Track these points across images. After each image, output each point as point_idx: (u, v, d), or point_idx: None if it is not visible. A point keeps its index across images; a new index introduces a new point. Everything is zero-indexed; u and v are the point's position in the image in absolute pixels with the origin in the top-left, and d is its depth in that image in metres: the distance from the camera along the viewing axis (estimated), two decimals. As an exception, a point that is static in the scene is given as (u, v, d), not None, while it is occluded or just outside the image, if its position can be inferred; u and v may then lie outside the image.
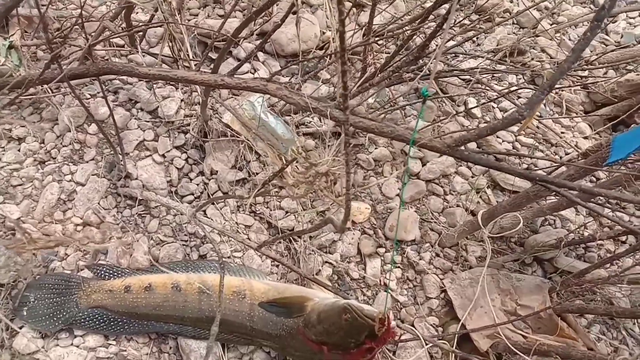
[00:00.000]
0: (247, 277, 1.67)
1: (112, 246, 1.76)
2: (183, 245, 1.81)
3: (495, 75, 2.37)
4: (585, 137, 2.27)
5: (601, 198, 1.95)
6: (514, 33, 2.60)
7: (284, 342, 1.56)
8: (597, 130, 2.33)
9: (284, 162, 1.60)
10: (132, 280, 1.62)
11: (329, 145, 1.87)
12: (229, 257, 1.78)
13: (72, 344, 1.58)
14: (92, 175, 1.85)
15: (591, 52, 2.67)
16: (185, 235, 1.83)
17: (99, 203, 1.82)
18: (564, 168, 1.80)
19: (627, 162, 1.84)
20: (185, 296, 1.60)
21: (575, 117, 2.30)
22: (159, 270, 1.65)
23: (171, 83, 2.09)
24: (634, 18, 2.89)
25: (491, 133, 1.00)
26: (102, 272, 1.65)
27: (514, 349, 1.51)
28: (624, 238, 2.02)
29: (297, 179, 0.86)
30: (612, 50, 2.67)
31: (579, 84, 2.30)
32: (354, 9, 2.50)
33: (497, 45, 2.47)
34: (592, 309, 1.59)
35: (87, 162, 1.88)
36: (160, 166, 1.94)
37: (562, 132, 2.25)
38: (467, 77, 2.28)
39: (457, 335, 1.60)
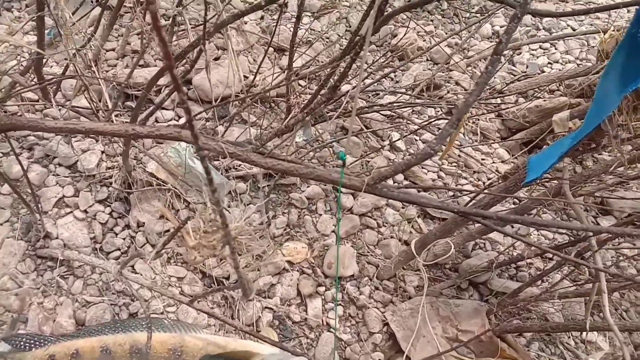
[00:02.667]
0: (183, 332, 1.58)
1: (33, 313, 1.62)
2: (111, 305, 1.70)
3: (414, 109, 2.47)
4: (504, 162, 2.40)
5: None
6: (428, 69, 2.74)
7: None
8: (515, 155, 2.47)
9: (182, 221, 1.55)
10: (57, 348, 1.48)
11: (244, 205, 1.84)
12: (161, 313, 1.69)
13: None
14: (7, 238, 1.71)
15: (501, 82, 2.87)
16: (113, 293, 1.72)
17: (15, 267, 1.68)
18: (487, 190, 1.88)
19: (543, 180, 1.96)
20: (115, 359, 1.48)
21: (493, 143, 2.43)
22: (85, 335, 1.53)
23: (91, 135, 2.01)
24: (535, 50, 3.14)
25: (406, 169, 1.03)
26: (22, 343, 1.50)
27: (459, 375, 1.51)
28: (551, 255, 2.11)
29: (199, 241, 0.80)
30: (519, 80, 2.88)
31: (493, 111, 2.44)
32: (276, 53, 2.54)
33: (414, 81, 2.59)
34: (528, 327, 1.63)
35: (2, 224, 1.74)
36: (83, 222, 1.83)
37: (482, 159, 2.36)
38: (389, 112, 2.36)
39: (403, 368, 1.59)
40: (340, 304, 1.82)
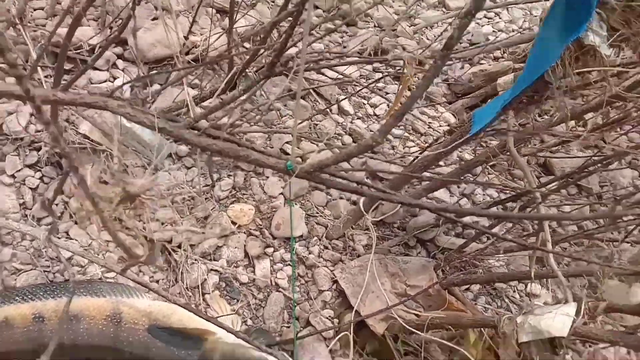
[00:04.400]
0: (122, 297, 1.50)
1: (-45, 284, 1.50)
2: (44, 272, 1.59)
3: (362, 74, 2.44)
4: (449, 125, 2.41)
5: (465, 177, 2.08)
6: (376, 35, 2.71)
7: None
8: (460, 118, 2.49)
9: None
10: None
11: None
12: (99, 279, 1.60)
13: None
14: None
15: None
16: (46, 260, 1.61)
17: None
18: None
19: (488, 138, 1.98)
20: (50, 326, 1.39)
21: (440, 106, 2.45)
22: (15, 299, 1.42)
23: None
24: (480, 19, 3.18)
25: (347, 159, 0.98)
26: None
27: (409, 327, 1.51)
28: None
29: (97, 192, 0.67)
30: (465, 49, 2.91)
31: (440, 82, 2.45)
32: (219, 15, 2.45)
33: (362, 46, 2.55)
34: (475, 279, 1.66)
35: None
36: (10, 188, 1.71)
37: (429, 122, 2.36)
38: (337, 75, 2.33)
39: (352, 323, 1.57)
40: (289, 264, 1.78)
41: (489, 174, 2.26)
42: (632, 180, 2.49)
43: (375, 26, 2.80)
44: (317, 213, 1.92)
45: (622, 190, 2.41)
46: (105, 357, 1.42)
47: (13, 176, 1.72)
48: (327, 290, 1.74)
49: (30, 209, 1.70)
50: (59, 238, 1.65)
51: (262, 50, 1.77)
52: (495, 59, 2.80)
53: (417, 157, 1.93)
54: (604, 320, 1.55)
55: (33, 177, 1.73)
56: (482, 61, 2.76)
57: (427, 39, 2.87)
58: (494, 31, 3.12)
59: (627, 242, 1.87)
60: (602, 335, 1.21)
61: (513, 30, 3.17)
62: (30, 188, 1.72)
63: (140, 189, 0.68)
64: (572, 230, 2.21)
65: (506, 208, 2.02)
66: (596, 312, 1.25)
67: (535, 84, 1.37)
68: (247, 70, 1.69)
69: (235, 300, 1.66)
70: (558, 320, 1.22)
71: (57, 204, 1.73)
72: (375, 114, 2.35)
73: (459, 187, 2.21)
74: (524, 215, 1.40)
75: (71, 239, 1.67)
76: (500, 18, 3.21)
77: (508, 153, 1.68)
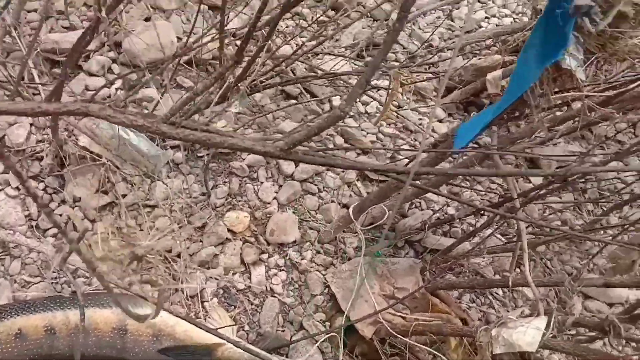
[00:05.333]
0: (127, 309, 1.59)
1: (-32, 297, 1.60)
2: (52, 283, 1.69)
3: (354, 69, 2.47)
4: (440, 121, 2.47)
5: (457, 179, 2.15)
6: (368, 26, 2.72)
7: None
8: (451, 114, 2.55)
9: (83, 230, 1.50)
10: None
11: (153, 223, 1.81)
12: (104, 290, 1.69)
13: None
14: None
15: (439, 38, 2.89)
16: (53, 272, 1.71)
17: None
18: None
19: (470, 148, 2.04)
20: (60, 338, 1.49)
21: (430, 101, 2.49)
22: (26, 310, 1.52)
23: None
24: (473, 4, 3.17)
25: (319, 132, 1.03)
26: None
27: (393, 332, 1.62)
28: (482, 212, 2.23)
29: (106, 253, 0.77)
30: (457, 37, 2.92)
31: (430, 72, 2.48)
32: (211, 12, 2.45)
33: (354, 40, 2.58)
34: (457, 283, 1.76)
35: None
36: (16, 200, 1.78)
37: (420, 119, 2.42)
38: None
39: (343, 327, 1.68)
40: (283, 270, 1.88)
41: (474, 180, 2.33)
42: (617, 173, 2.56)
43: (367, 17, 2.80)
44: (310, 218, 2.00)
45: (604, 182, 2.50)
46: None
47: (17, 188, 1.79)
48: (319, 295, 1.85)
49: (36, 220, 1.78)
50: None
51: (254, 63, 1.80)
52: (488, 47, 2.82)
53: (409, 161, 2.00)
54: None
55: (37, 188, 1.80)
56: (475, 51, 2.78)
57: (420, 28, 2.88)
58: (486, 17, 3.12)
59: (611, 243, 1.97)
60: (568, 348, 1.32)
61: (506, 16, 3.17)
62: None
63: (147, 250, 0.76)
64: (557, 225, 2.31)
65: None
66: (564, 326, 1.36)
67: (516, 103, 1.44)
68: (239, 85, 1.74)
69: (233, 306, 1.77)
70: (529, 334, 1.32)
71: (60, 215, 1.81)
72: (366, 112, 2.40)
73: (447, 185, 2.29)
74: (502, 213, 1.49)
75: (76, 249, 1.76)
76: (493, 2, 3.20)
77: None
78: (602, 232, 2.15)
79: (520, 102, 1.45)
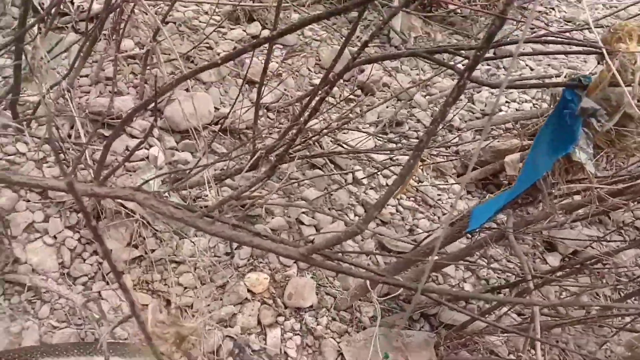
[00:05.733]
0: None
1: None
2: (77, 329, 1.75)
3: (377, 144, 2.60)
4: (460, 199, 2.55)
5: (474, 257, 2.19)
6: (392, 105, 2.88)
7: None
8: (469, 191, 2.63)
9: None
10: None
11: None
12: (125, 339, 1.75)
13: None
14: (-27, 263, 1.75)
15: (460, 120, 3.04)
16: (79, 318, 1.77)
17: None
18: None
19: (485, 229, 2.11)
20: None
21: (451, 182, 2.59)
22: (50, 355, 1.58)
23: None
24: (494, 89, 3.33)
25: (337, 243, 1.12)
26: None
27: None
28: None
29: (156, 330, 0.88)
30: (478, 118, 3.06)
31: (451, 155, 2.60)
32: (247, 85, 2.64)
33: (378, 117, 2.72)
34: (471, 360, 1.76)
35: (-33, 250, 1.77)
36: (52, 248, 1.88)
37: (439, 194, 2.50)
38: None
39: (354, 397, 1.69)
40: (298, 334, 1.91)
41: (494, 248, 2.38)
42: (635, 259, 2.58)
43: (392, 97, 2.97)
44: (328, 284, 2.05)
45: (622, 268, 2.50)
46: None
47: (55, 237, 1.90)
48: (333, 362, 1.87)
49: (68, 269, 1.87)
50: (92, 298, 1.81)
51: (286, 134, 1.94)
52: (507, 130, 2.94)
53: (427, 236, 2.07)
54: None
55: (72, 237, 1.91)
56: (494, 131, 2.91)
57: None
58: (507, 102, 3.27)
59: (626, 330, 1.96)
60: None
61: (526, 101, 3.32)
62: (69, 249, 1.89)
63: (190, 331, 0.84)
64: (573, 309, 2.31)
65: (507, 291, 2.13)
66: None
67: (530, 189, 1.52)
68: (269, 156, 1.86)
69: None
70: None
71: (91, 264, 1.90)
72: (387, 185, 2.50)
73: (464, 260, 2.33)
74: (515, 300, 1.52)
75: (103, 299, 1.83)
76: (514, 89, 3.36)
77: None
78: (619, 318, 2.14)
79: (533, 189, 1.53)
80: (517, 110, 3.21)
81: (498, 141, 2.68)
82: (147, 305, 1.86)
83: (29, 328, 1.71)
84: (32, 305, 1.76)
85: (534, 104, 3.31)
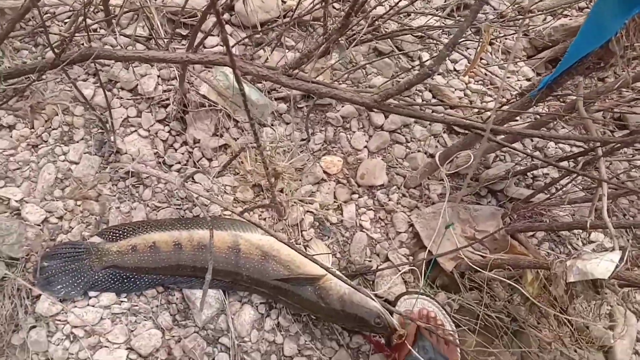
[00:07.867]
0: (239, 232, 1.87)
1: (112, 216, 1.94)
2: (176, 209, 2.00)
3: (444, 30, 2.57)
4: (529, 80, 2.52)
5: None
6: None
7: (279, 291, 1.78)
8: (540, 73, 2.58)
9: (239, 149, 1.79)
10: (137, 240, 1.81)
11: (296, 147, 2.03)
12: (219, 216, 1.99)
13: (88, 305, 1.77)
14: (84, 153, 2.00)
15: (529, 1, 2.90)
16: (177, 200, 2.02)
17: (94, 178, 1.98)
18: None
19: (560, 97, 2.10)
20: (186, 252, 1.80)
21: (519, 61, 2.55)
22: (160, 228, 1.84)
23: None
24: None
25: (409, 87, 1.19)
26: (110, 235, 1.83)
27: (474, 266, 1.77)
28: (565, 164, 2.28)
29: (254, 168, 1.03)
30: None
31: (521, 32, 2.53)
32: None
33: (445, 2, 2.67)
34: (536, 226, 1.86)
35: (78, 142, 2.02)
36: (146, 140, 2.10)
37: (508, 77, 2.49)
38: (420, 34, 2.49)
39: (425, 260, 1.86)
40: (371, 209, 2.08)
41: (562, 127, 2.38)
42: None
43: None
44: (397, 164, 2.18)
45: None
46: (227, 277, 1.81)
47: (148, 130, 2.11)
48: (404, 232, 2.03)
49: (163, 157, 2.09)
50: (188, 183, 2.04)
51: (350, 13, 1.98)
52: (580, 9, 2.80)
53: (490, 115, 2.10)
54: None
55: (163, 130, 2.11)
56: (566, 12, 2.77)
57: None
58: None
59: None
60: (640, 280, 1.41)
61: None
62: (162, 140, 2.10)
63: (283, 169, 1.00)
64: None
65: (576, 162, 2.16)
66: (638, 260, 1.45)
67: (600, 52, 1.48)
68: (339, 39, 1.92)
69: (327, 237, 2.00)
70: (602, 265, 1.43)
71: (182, 154, 2.12)
72: (455, 69, 2.51)
73: (532, 140, 2.36)
74: (583, 173, 1.57)
75: (196, 182, 2.06)
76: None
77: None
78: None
79: (606, 52, 1.49)
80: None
81: (570, 19, 2.57)
82: (235, 187, 2.07)
83: (136, 208, 1.97)
84: (136, 189, 2.01)
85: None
